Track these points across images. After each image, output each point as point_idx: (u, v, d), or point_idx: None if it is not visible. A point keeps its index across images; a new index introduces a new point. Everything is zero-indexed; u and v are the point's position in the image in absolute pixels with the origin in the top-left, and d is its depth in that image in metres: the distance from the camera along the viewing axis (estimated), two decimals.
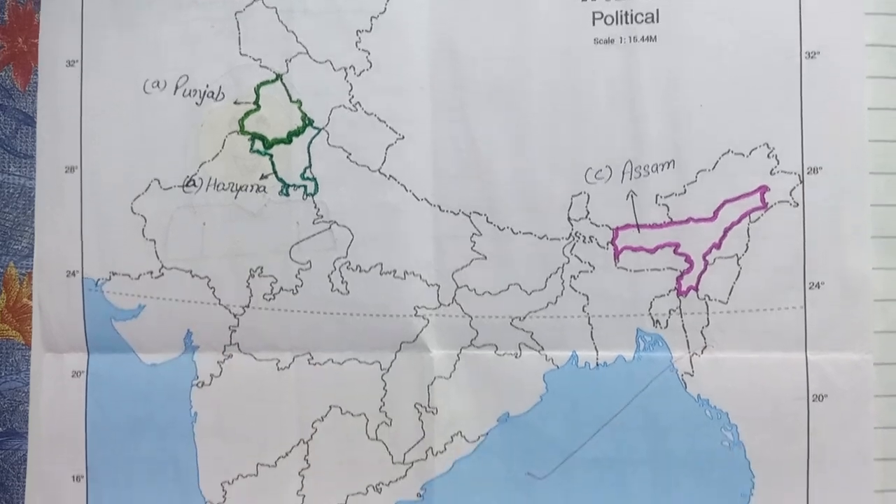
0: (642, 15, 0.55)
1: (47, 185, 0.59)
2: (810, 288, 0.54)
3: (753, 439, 0.55)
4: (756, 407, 0.55)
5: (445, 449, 0.56)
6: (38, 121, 0.59)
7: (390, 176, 0.56)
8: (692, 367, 0.54)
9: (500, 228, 0.55)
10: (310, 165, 0.56)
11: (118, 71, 0.58)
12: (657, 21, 0.55)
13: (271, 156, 0.56)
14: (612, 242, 0.55)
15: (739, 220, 0.54)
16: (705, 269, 0.54)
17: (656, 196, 0.54)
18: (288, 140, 0.56)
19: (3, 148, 0.59)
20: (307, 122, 0.56)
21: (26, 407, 0.59)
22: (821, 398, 0.54)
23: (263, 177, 0.56)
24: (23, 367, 0.59)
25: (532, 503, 0.57)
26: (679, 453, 0.54)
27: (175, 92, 0.57)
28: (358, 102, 0.56)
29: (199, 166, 0.57)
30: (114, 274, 0.57)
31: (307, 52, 0.56)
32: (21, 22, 0.59)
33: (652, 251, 0.54)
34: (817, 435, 0.55)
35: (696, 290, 0.54)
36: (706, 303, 0.54)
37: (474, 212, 0.55)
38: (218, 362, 0.57)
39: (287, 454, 0.57)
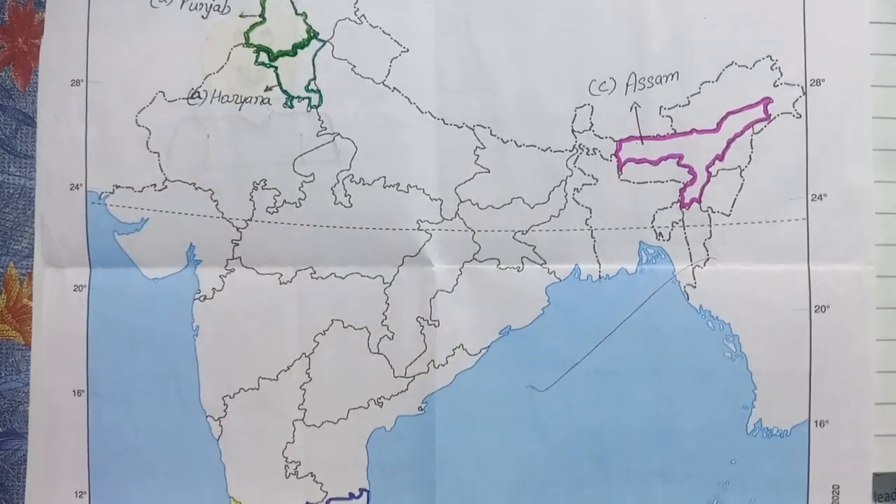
0: None
1: (52, 98, 0.58)
2: (813, 200, 0.54)
3: (755, 350, 0.55)
4: (758, 318, 0.55)
5: (447, 362, 0.56)
6: (44, 34, 0.59)
7: (394, 88, 0.56)
8: (694, 279, 0.54)
9: (503, 141, 0.55)
10: (314, 78, 0.56)
11: None
12: None
13: (276, 68, 0.56)
14: (616, 154, 0.55)
15: (742, 132, 0.54)
16: (708, 180, 0.54)
17: (660, 108, 0.55)
18: (293, 52, 0.56)
19: (3, 148, 0.59)
20: (312, 34, 0.56)
21: (26, 407, 0.59)
22: (823, 309, 0.54)
23: (268, 89, 0.57)
24: (23, 367, 0.59)
25: (533, 415, 0.56)
26: (681, 365, 0.54)
27: (181, 6, 0.57)
28: (363, 15, 0.56)
29: (204, 79, 0.57)
30: (117, 187, 0.57)
31: None
32: (21, 22, 0.59)
33: (655, 163, 0.55)
34: (819, 346, 0.55)
35: (699, 202, 0.54)
36: (709, 215, 0.54)
37: (478, 125, 0.56)
38: (220, 276, 0.57)
39: (289, 368, 0.57)
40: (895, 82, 0.55)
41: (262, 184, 0.56)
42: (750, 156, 0.54)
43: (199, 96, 0.56)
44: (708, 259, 0.54)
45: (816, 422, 0.54)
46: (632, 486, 0.56)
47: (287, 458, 0.57)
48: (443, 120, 0.55)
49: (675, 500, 0.55)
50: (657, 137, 0.55)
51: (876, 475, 0.55)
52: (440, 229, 0.55)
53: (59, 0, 0.58)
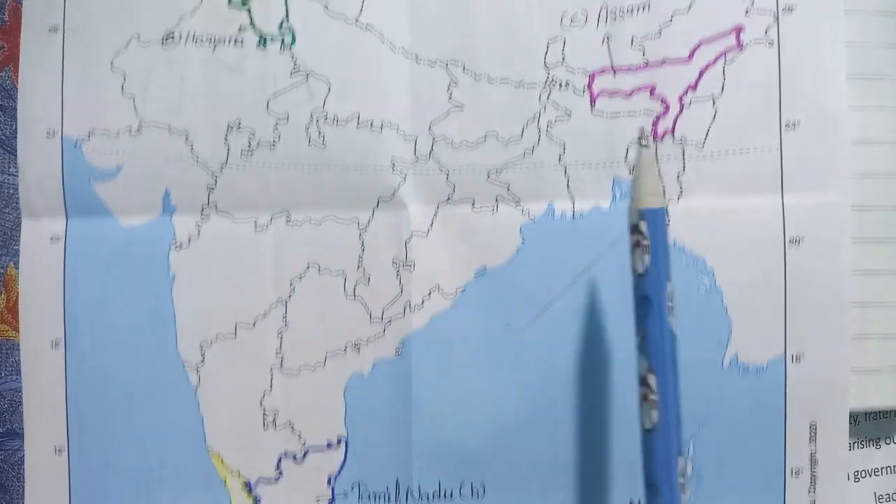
0: None
1: (31, 46, 0.59)
2: (786, 128, 0.53)
3: (730, 284, 0.55)
4: (732, 252, 0.55)
5: (423, 304, 0.56)
6: None
7: (367, 26, 0.56)
8: (668, 215, 0.53)
9: (476, 77, 0.55)
10: (287, 17, 0.56)
11: None
12: None
13: (249, 8, 0.56)
14: (589, 87, 0.55)
15: (715, 61, 0.54)
16: (681, 111, 0.54)
17: (632, 38, 0.55)
18: None
19: (3, 148, 0.59)
20: None
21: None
22: (797, 242, 0.54)
23: (241, 29, 0.57)
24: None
25: (511, 355, 0.56)
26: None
27: None
28: None
29: (179, 20, 0.57)
30: (93, 132, 0.57)
31: None
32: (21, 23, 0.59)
33: (628, 95, 0.55)
34: (794, 279, 0.54)
35: (672, 133, 0.54)
36: (682, 147, 0.54)
37: (451, 61, 0.55)
38: (196, 223, 0.57)
39: (265, 314, 0.57)
40: (869, 7, 0.53)
41: (236, 125, 0.56)
42: (723, 85, 0.54)
43: (173, 38, 0.57)
44: (681, 194, 0.54)
45: (792, 356, 0.54)
46: (608, 426, 0.54)
47: (265, 408, 0.57)
48: (416, 57, 0.55)
49: None
50: (629, 69, 0.55)
51: (855, 414, 0.55)
52: (414, 171, 0.55)
53: None
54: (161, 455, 0.59)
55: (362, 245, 0.57)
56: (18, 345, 0.60)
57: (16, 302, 0.60)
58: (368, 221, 0.57)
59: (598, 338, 0.56)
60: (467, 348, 0.57)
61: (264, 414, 0.58)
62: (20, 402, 0.60)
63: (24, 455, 0.60)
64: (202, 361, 0.57)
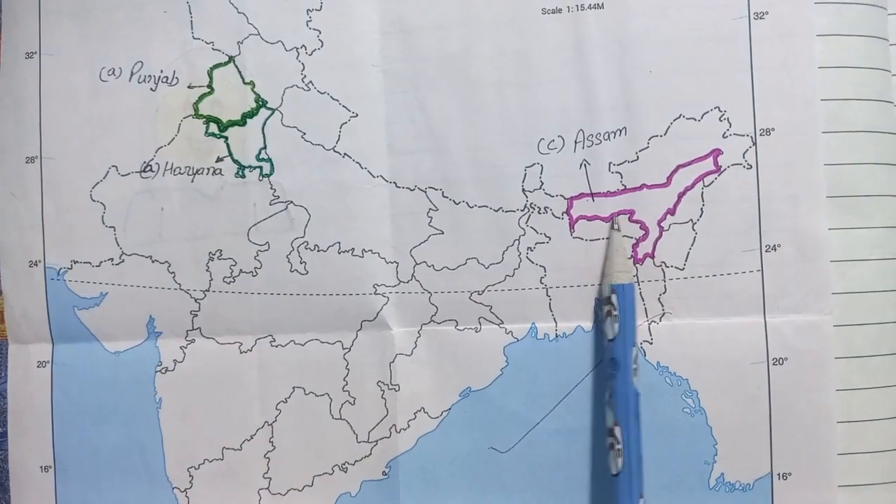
0: None
1: (9, 176, 0.59)
2: (766, 250, 0.54)
3: (714, 405, 0.55)
4: (716, 372, 0.55)
5: (409, 426, 0.56)
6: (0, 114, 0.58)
7: (345, 154, 0.56)
8: (651, 335, 0.54)
9: (455, 203, 0.55)
10: (265, 146, 0.57)
11: (74, 60, 0.58)
12: None
13: (226, 138, 0.57)
14: (567, 212, 0.55)
15: (693, 185, 0.54)
16: (661, 235, 0.54)
17: (609, 164, 0.55)
18: (242, 122, 0.57)
19: None
20: (261, 103, 0.57)
21: None
22: (781, 361, 0.54)
23: (219, 159, 0.57)
24: None
25: (496, 477, 0.56)
26: (641, 421, 0.53)
27: (130, 78, 0.57)
28: (311, 82, 0.56)
29: (156, 151, 0.57)
30: (75, 262, 0.57)
31: (258, 34, 0.57)
32: None
33: (607, 220, 0.55)
34: (778, 398, 0.54)
35: (653, 257, 0.54)
36: (663, 270, 0.54)
37: (430, 187, 0.56)
38: (181, 347, 0.57)
39: (252, 437, 0.57)
40: (846, 128, 0.53)
41: (217, 254, 0.56)
42: (702, 209, 0.54)
43: (151, 169, 0.57)
44: (664, 314, 0.54)
45: (779, 474, 0.54)
46: None
47: None
48: (395, 183, 0.56)
49: None
50: (608, 194, 0.55)
51: None
52: (397, 292, 0.55)
53: (11, 76, 0.58)
54: None
55: (347, 367, 0.57)
56: None
57: None
58: (353, 343, 0.58)
59: (584, 459, 0.55)
60: (454, 469, 0.57)
61: None
62: None
63: None
64: (191, 485, 0.57)
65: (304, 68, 0.56)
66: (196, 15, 0.58)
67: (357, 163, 0.56)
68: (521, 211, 0.55)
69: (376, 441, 0.57)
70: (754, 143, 0.54)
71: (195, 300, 0.57)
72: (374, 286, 0.56)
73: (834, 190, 0.54)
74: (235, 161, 0.57)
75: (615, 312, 0.55)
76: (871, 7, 0.54)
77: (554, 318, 0.55)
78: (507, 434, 0.56)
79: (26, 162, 0.58)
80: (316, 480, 0.57)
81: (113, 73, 0.58)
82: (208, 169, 0.57)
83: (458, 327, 0.56)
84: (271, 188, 0.56)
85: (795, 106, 0.54)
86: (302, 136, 0.56)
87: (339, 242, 0.56)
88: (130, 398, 0.59)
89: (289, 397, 0.57)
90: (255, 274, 0.56)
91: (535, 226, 0.55)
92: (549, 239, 0.55)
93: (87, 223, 0.59)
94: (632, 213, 0.55)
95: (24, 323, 0.59)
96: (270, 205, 0.57)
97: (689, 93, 0.55)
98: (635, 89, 0.55)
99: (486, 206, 0.56)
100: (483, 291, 0.56)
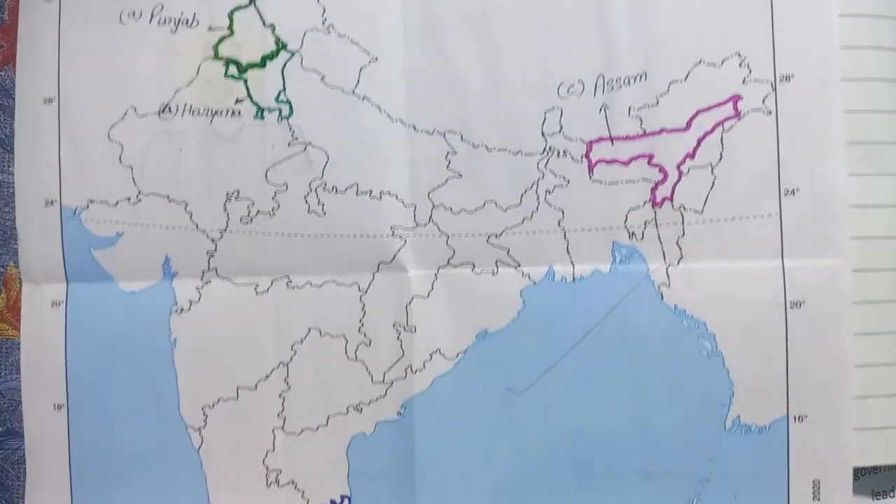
0: None
1: (26, 117, 0.58)
2: (785, 195, 0.54)
3: (731, 348, 0.55)
4: (734, 316, 0.55)
5: (424, 367, 0.56)
6: (18, 56, 0.58)
7: (364, 97, 0.56)
8: (668, 278, 0.54)
9: (474, 146, 0.55)
10: (284, 89, 0.57)
11: (94, 4, 0.57)
12: None
13: (245, 80, 0.57)
14: (587, 156, 0.55)
15: (713, 130, 0.54)
16: (680, 179, 0.54)
17: (629, 108, 0.55)
18: (262, 64, 0.56)
19: (3, 148, 0.60)
20: (280, 45, 0.57)
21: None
22: (798, 305, 0.54)
23: (238, 101, 0.57)
24: None
25: (511, 418, 0.56)
26: (657, 364, 0.54)
27: (150, 20, 0.58)
28: (331, 25, 0.56)
29: (175, 93, 0.57)
30: (91, 202, 0.57)
31: None
32: None
33: (626, 163, 0.54)
34: (795, 342, 0.55)
35: (671, 200, 0.54)
36: (681, 213, 0.54)
37: (449, 130, 0.56)
38: (196, 288, 0.57)
39: (267, 377, 0.57)
40: (866, 76, 0.54)
41: (235, 195, 0.56)
42: (721, 153, 0.54)
43: (169, 110, 0.57)
44: (681, 258, 0.54)
45: (795, 417, 0.54)
46: (612, 487, 0.56)
47: (268, 466, 0.58)
48: (413, 126, 0.56)
49: (655, 499, 0.55)
50: (627, 138, 0.55)
51: (856, 469, 0.54)
52: (414, 235, 0.55)
53: (30, 20, 0.57)
54: None
55: (363, 308, 0.57)
56: (18, 344, 0.61)
57: (16, 301, 0.60)
58: (369, 285, 0.57)
59: (600, 401, 0.55)
60: (469, 410, 0.57)
61: (267, 473, 0.59)
62: (20, 402, 0.60)
63: (24, 454, 0.61)
64: (205, 424, 0.57)
65: (324, 11, 0.57)
66: None
67: (376, 106, 0.56)
68: (540, 154, 0.55)
69: (391, 382, 0.57)
70: (774, 90, 0.54)
71: (212, 241, 0.57)
72: (391, 228, 0.56)
73: (852, 137, 0.54)
74: (254, 103, 0.57)
75: None
76: None
77: (571, 261, 0.55)
78: (522, 376, 0.56)
79: (44, 103, 0.58)
80: (330, 420, 0.57)
81: (133, 15, 0.57)
82: (227, 110, 0.57)
83: (474, 270, 0.56)
84: (290, 130, 0.56)
85: (815, 53, 0.54)
86: (321, 79, 0.56)
87: (357, 184, 0.56)
88: (145, 338, 0.59)
89: (304, 338, 0.57)
90: (272, 215, 0.56)
91: (553, 169, 0.55)
92: (568, 182, 0.55)
93: (104, 163, 0.58)
94: (651, 156, 0.54)
95: (38, 263, 0.59)
96: (289, 146, 0.57)
97: (710, 38, 0.55)
98: (655, 34, 0.55)
99: (505, 150, 0.55)
100: (500, 234, 0.56)
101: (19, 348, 0.60)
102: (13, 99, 0.60)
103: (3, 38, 0.59)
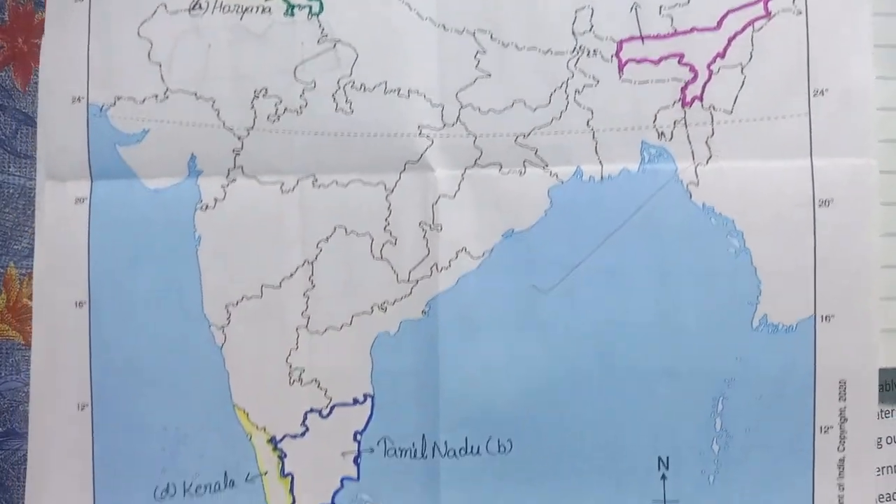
0: None
1: (56, 13, 0.59)
2: (814, 95, 0.54)
3: (760, 246, 0.55)
4: (761, 213, 0.55)
5: (450, 265, 0.56)
6: None
7: None
8: (697, 177, 0.54)
9: (503, 45, 0.56)
10: None
11: None
12: None
13: None
14: (617, 55, 0.55)
15: (743, 30, 0.55)
16: (710, 78, 0.55)
17: (660, 7, 0.55)
18: None
19: (3, 148, 0.59)
20: None
21: (26, 407, 0.59)
22: (826, 203, 0.54)
23: None
24: (23, 367, 0.59)
25: (536, 316, 0.56)
26: (685, 262, 0.54)
27: None
28: None
29: None
30: (118, 98, 0.57)
31: None
32: (21, 22, 0.60)
33: (656, 62, 0.55)
34: (823, 240, 0.55)
35: (701, 100, 0.54)
36: (711, 113, 0.55)
37: (478, 29, 0.55)
38: (222, 186, 0.57)
39: (291, 275, 0.57)
40: None
41: (262, 92, 0.56)
42: (751, 53, 0.54)
43: (200, 7, 0.57)
44: (710, 157, 0.55)
45: (822, 316, 0.54)
46: (637, 385, 0.56)
47: (291, 364, 0.57)
48: (443, 25, 0.56)
49: (680, 397, 0.55)
50: (658, 37, 0.55)
51: (882, 370, 0.54)
52: (442, 135, 0.55)
53: None
54: (186, 412, 0.59)
55: (389, 207, 0.57)
56: (18, 344, 0.60)
57: (16, 301, 0.60)
58: (395, 184, 0.57)
59: (626, 299, 0.55)
60: (494, 309, 0.57)
61: (290, 371, 0.59)
62: (20, 402, 0.59)
63: (24, 455, 0.60)
64: (228, 322, 0.57)
65: None
66: None
67: (406, 4, 0.56)
68: (570, 53, 0.56)
69: (416, 281, 0.57)
70: None
71: (238, 138, 0.57)
72: (418, 127, 0.56)
73: (881, 39, 0.54)
74: (284, 0, 0.56)
75: None
76: None
77: (600, 161, 0.56)
78: (548, 274, 0.57)
79: (75, 0, 0.57)
80: (354, 319, 0.57)
81: None
82: (257, 7, 0.57)
83: (502, 171, 0.56)
84: (320, 27, 0.56)
85: None
86: None
87: (386, 82, 0.56)
88: (169, 235, 0.58)
89: (330, 236, 0.57)
90: (299, 113, 0.56)
91: (583, 68, 0.55)
92: (598, 82, 0.55)
93: (132, 60, 0.58)
94: (681, 55, 0.54)
95: (62, 159, 0.59)
96: (318, 43, 0.57)
97: None
98: None
99: (535, 49, 0.56)
100: (528, 135, 0.56)
101: (19, 348, 0.59)
102: (13, 99, 0.59)
103: (3, 38, 0.59)
